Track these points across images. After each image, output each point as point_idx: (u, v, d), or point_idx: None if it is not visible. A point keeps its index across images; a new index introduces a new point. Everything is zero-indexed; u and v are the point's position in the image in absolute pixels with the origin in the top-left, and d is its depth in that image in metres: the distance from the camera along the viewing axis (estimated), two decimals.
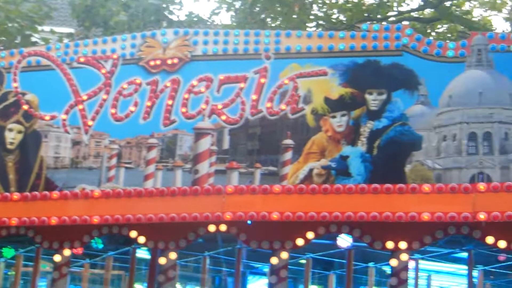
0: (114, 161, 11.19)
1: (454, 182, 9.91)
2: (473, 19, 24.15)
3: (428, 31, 23.55)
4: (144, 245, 10.81)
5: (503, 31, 18.95)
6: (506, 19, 24.38)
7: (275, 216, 9.83)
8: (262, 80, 10.90)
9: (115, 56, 11.54)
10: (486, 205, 9.46)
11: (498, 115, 10.45)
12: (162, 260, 10.68)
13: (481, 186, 9.57)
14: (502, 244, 9.94)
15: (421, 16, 23.98)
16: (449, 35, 23.30)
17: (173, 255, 10.65)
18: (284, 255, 10.32)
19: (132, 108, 11.21)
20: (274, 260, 10.32)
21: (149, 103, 11.15)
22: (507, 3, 24.00)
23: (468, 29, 20.29)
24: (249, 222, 10.06)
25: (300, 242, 10.26)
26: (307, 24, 22.15)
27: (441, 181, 10.18)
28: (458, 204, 9.51)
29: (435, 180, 10.22)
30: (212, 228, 10.31)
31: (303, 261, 11.77)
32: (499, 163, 10.25)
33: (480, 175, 10.23)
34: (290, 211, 9.80)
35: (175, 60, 11.24)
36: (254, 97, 10.85)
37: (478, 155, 10.33)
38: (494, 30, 22.76)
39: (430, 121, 10.48)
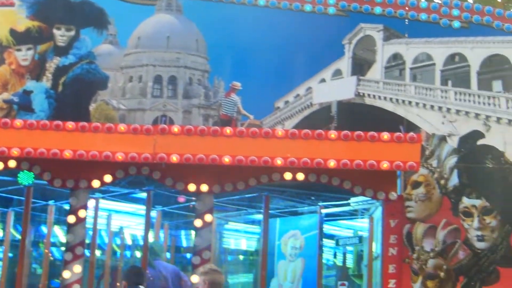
0: None
1: (138, 123, 10.02)
2: None
3: None
4: None
5: None
6: None
7: None
8: None
9: None
10: (166, 147, 9.68)
11: (184, 59, 10.70)
12: None
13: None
14: (180, 186, 10.24)
15: None
16: None
17: None
18: None
19: None
20: None
21: None
22: None
23: None
24: None
25: None
26: None
27: (125, 121, 10.26)
28: (139, 145, 9.64)
29: (119, 120, 10.27)
30: None
31: None
32: (182, 107, 10.52)
33: (163, 118, 10.45)
34: None
35: None
36: None
37: (163, 98, 10.53)
38: None
39: (117, 61, 10.50)
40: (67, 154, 9.50)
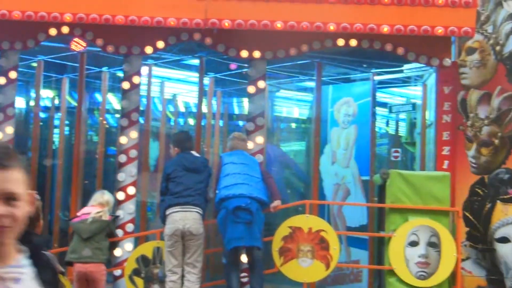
0: None
1: None
2: None
3: None
4: None
5: None
6: None
7: (4, 14, 9.42)
8: None
9: None
10: (217, 12, 9.61)
11: None
12: None
13: None
14: (232, 52, 10.22)
15: None
16: None
17: None
18: (14, 56, 10.05)
19: None
20: (3, 61, 10.04)
21: None
22: None
23: None
24: None
25: (30, 43, 9.99)
26: None
27: None
28: (191, 10, 9.58)
29: None
30: None
31: (35, 64, 11.47)
32: None
33: None
34: (20, 10, 9.43)
35: None
36: None
37: None
38: None
39: None
40: (119, 19, 9.48)
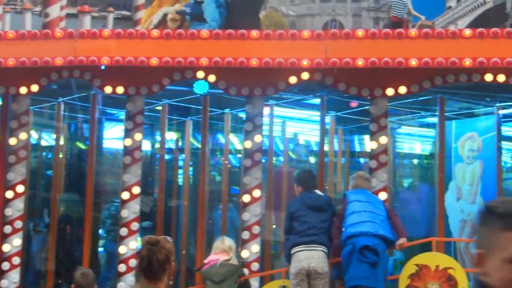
0: None
1: (308, 28, 10.00)
2: None
3: None
4: None
5: None
6: None
7: (135, 60, 9.71)
8: None
9: None
10: (337, 51, 9.64)
11: None
12: (14, 106, 10.48)
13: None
14: (353, 90, 10.21)
15: None
16: None
17: (25, 101, 10.46)
18: (140, 101, 10.32)
19: None
20: (129, 106, 10.32)
21: None
22: None
23: None
24: (102, 67, 9.91)
25: (155, 88, 10.24)
26: None
27: (295, 27, 10.27)
28: (311, 50, 9.65)
29: (289, 27, 10.29)
30: (65, 73, 10.11)
31: (159, 108, 11.75)
32: (351, 10, 10.41)
33: (333, 22, 10.39)
34: (145, 56, 9.71)
35: None
36: None
37: (331, 2, 10.46)
38: None
39: None
40: (241, 62, 9.63)
